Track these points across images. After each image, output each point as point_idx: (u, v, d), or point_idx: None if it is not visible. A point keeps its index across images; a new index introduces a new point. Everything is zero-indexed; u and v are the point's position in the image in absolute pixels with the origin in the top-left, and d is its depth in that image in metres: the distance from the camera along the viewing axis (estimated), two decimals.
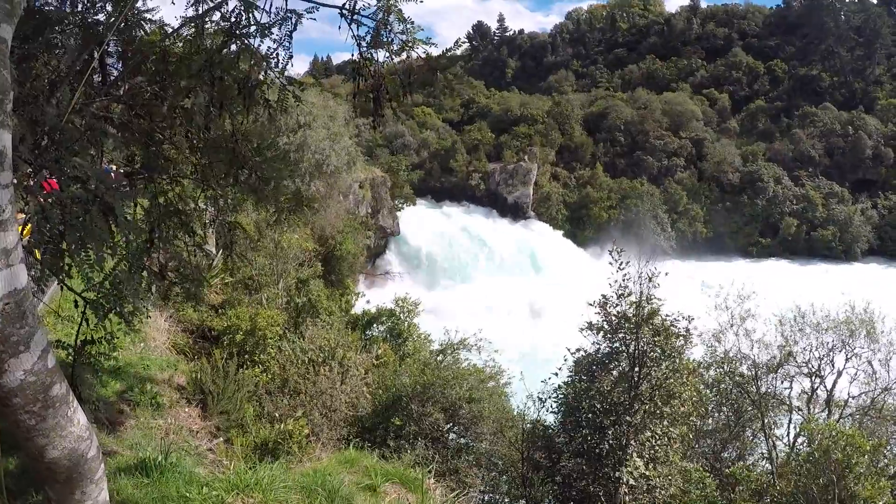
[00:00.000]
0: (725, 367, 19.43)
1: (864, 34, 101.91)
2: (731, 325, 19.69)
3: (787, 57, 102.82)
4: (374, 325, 26.21)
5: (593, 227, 76.90)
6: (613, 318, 13.63)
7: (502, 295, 63.62)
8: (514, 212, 76.84)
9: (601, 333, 13.87)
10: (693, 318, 14.15)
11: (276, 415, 13.33)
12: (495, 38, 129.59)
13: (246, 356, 16.34)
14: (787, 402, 19.77)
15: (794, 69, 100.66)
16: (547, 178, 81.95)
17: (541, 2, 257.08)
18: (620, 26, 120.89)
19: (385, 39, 5.05)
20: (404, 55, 5.19)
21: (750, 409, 18.82)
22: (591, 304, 14.04)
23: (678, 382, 13.30)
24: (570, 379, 14.30)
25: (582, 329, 14.08)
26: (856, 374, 20.07)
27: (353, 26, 5.10)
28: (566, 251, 72.31)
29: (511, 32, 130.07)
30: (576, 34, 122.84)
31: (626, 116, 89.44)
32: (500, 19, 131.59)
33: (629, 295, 13.49)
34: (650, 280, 13.38)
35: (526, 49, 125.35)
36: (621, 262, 13.53)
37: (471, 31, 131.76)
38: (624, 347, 13.55)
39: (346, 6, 5.02)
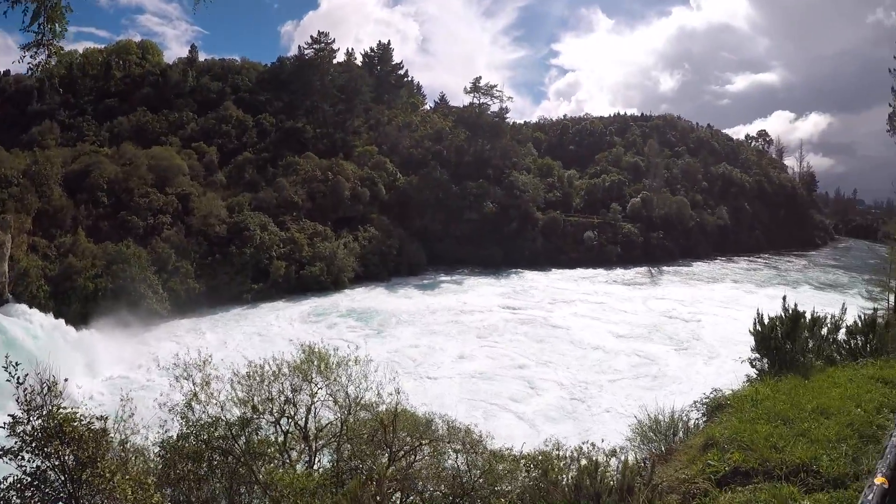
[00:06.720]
0: (204, 435, 19.95)
1: (346, 91, 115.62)
2: (195, 394, 20.41)
3: (275, 111, 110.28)
4: None
5: (80, 300, 68.20)
6: (32, 434, 12.40)
7: None
8: None
9: (20, 455, 11.45)
10: (106, 418, 12.84)
11: None
12: None
13: None
14: (276, 446, 21.44)
15: (281, 122, 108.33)
16: (24, 251, 72.90)
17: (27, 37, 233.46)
18: (115, 74, 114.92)
19: None
20: None
21: (237, 466, 19.96)
22: (2, 427, 12.47)
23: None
24: None
25: None
26: (320, 407, 22.53)
27: None
28: (58, 337, 65.61)
29: None
30: (67, 80, 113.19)
31: (111, 174, 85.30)
32: None
33: (40, 407, 11.86)
34: (50, 390, 12.76)
35: (10, 94, 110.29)
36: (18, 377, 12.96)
37: None
38: (49, 463, 12.59)
39: None
